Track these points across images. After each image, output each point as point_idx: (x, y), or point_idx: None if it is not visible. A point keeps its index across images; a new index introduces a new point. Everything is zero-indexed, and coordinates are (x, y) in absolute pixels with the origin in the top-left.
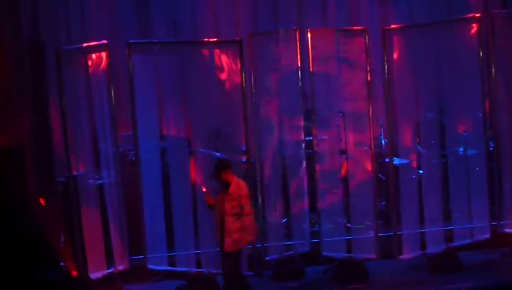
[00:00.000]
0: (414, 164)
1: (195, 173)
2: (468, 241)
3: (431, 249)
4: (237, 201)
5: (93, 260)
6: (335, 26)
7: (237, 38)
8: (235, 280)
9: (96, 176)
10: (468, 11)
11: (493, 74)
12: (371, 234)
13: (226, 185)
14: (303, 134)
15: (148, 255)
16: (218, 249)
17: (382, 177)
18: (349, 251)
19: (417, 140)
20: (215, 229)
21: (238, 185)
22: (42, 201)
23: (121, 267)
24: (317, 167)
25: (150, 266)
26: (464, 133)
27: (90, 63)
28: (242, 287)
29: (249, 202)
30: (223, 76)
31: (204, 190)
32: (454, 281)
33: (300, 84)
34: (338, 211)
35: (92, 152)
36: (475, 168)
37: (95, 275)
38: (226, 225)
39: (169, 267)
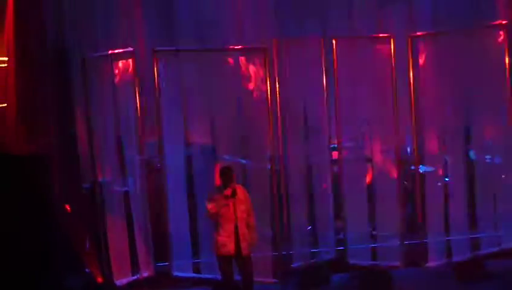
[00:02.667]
0: (440, 172)
1: (219, 180)
2: (495, 249)
3: (457, 257)
4: (245, 204)
5: (118, 266)
6: (360, 34)
7: (262, 46)
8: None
9: (122, 183)
10: (495, 18)
11: None
12: (397, 241)
13: (233, 191)
14: (328, 141)
15: (173, 262)
16: (231, 256)
17: (408, 184)
18: (374, 259)
19: (443, 147)
20: (221, 238)
21: (241, 189)
22: (68, 208)
23: (146, 274)
24: (343, 174)
25: (174, 273)
26: (490, 141)
27: (116, 70)
28: None
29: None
30: (248, 83)
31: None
32: (480, 289)
33: (325, 91)
34: (363, 218)
35: (117, 159)
36: (501, 175)
37: (120, 281)
38: (240, 230)
39: (194, 274)
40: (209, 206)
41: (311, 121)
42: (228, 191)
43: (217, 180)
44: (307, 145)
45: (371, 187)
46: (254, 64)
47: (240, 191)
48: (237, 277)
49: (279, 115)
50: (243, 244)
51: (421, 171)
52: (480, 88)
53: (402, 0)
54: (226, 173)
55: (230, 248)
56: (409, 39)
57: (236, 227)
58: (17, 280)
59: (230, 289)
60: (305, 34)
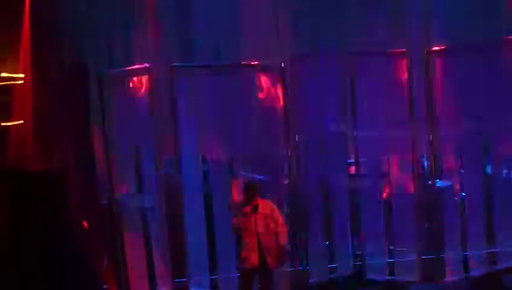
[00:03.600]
0: (457, 186)
1: (237, 196)
2: None
3: (474, 272)
4: (270, 218)
5: (135, 283)
6: (375, 49)
7: (279, 62)
8: None
9: (139, 200)
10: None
11: None
12: (414, 256)
13: (255, 206)
14: (345, 156)
15: (191, 278)
16: (253, 270)
17: (425, 199)
18: (392, 274)
19: (460, 162)
20: (244, 252)
21: (268, 204)
22: (85, 225)
23: None
24: (360, 189)
25: (192, 289)
26: (508, 155)
27: (132, 86)
28: None
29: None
30: (265, 99)
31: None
32: None
33: (341, 106)
34: (381, 233)
35: (134, 175)
36: None
37: None
38: (263, 244)
39: None
40: (233, 221)
41: (328, 136)
42: (247, 209)
43: (235, 196)
44: (324, 160)
45: (388, 201)
46: (271, 80)
47: (266, 205)
48: None
49: (296, 130)
50: (269, 259)
51: (438, 186)
52: (497, 102)
53: (418, 16)
54: (250, 189)
55: (254, 260)
56: (425, 54)
57: (258, 241)
58: None
59: None
60: (321, 50)
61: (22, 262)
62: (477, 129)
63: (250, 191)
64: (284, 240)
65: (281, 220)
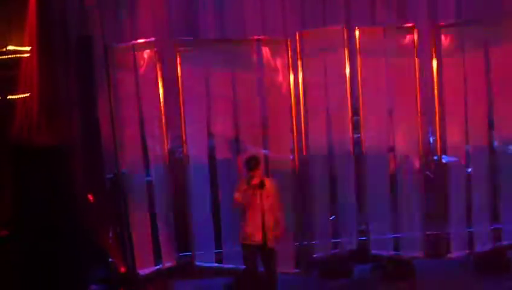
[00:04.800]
0: (463, 162)
1: (242, 171)
2: None
3: (479, 248)
4: (272, 197)
5: (141, 256)
6: (383, 24)
7: (285, 36)
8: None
9: (145, 173)
10: None
11: None
12: (419, 232)
13: (262, 182)
14: (351, 131)
15: (196, 252)
16: (258, 246)
17: (430, 174)
18: (396, 249)
19: (466, 138)
20: (249, 228)
21: (270, 182)
22: (91, 198)
23: (168, 264)
24: (365, 164)
25: (197, 263)
26: None
27: (138, 60)
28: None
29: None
30: (271, 73)
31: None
32: (503, 280)
33: (347, 81)
34: (386, 209)
35: (140, 149)
36: None
37: (143, 271)
38: (266, 222)
39: (217, 264)
40: (236, 195)
41: (334, 111)
42: (256, 181)
43: (240, 170)
44: (330, 135)
45: (393, 177)
46: (277, 54)
47: (269, 184)
48: (260, 268)
49: (301, 105)
50: (269, 237)
51: (444, 161)
52: (504, 78)
53: None
54: (252, 162)
55: (258, 238)
56: (433, 29)
57: (262, 219)
58: (40, 272)
59: (253, 279)
60: (328, 24)
61: (27, 235)
62: (484, 105)
63: (251, 164)
64: (281, 228)
65: (280, 203)
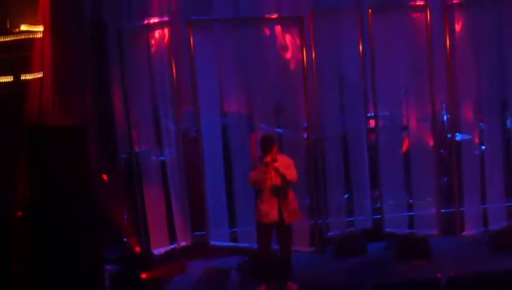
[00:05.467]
0: (476, 140)
1: (256, 149)
2: None
3: (493, 226)
4: (287, 174)
5: (155, 236)
6: (396, 3)
7: (298, 15)
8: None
9: (159, 153)
10: None
11: None
12: (433, 210)
13: (273, 161)
14: (364, 110)
15: (210, 231)
16: (273, 224)
17: (444, 153)
18: (411, 227)
19: (479, 116)
20: (264, 206)
21: (285, 158)
22: (105, 178)
23: (183, 243)
24: (379, 143)
25: (212, 242)
26: None
27: (151, 40)
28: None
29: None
30: (284, 52)
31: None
32: None
33: (361, 60)
34: (400, 187)
35: (154, 129)
36: None
37: (157, 251)
38: (281, 199)
39: (231, 243)
40: (251, 174)
41: (347, 90)
42: (268, 158)
43: (254, 150)
44: (343, 113)
45: (407, 156)
46: (290, 33)
47: (282, 161)
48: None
49: (315, 84)
50: (285, 214)
51: (458, 140)
52: None
53: None
54: (266, 141)
55: (274, 215)
56: (445, 7)
57: (277, 196)
58: (55, 252)
59: (266, 258)
60: (341, 4)
61: (42, 216)
62: (497, 83)
63: (266, 144)
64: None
65: (295, 177)
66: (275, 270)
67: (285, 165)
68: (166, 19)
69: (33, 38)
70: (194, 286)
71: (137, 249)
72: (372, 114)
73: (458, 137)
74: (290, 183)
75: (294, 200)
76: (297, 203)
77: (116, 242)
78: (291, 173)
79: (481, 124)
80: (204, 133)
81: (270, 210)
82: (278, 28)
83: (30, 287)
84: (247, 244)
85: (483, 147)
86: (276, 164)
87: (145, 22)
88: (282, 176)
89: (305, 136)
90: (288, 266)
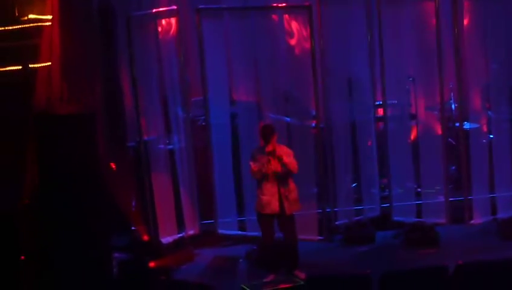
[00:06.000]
0: (484, 128)
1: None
2: None
3: (502, 214)
4: (287, 164)
5: (164, 224)
6: None
7: (306, 4)
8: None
9: (167, 141)
10: None
11: None
12: (441, 198)
13: (274, 150)
14: (372, 99)
15: (219, 220)
16: (274, 215)
17: (452, 141)
18: (419, 216)
19: (487, 104)
20: (265, 197)
21: (284, 148)
22: (113, 166)
23: (191, 232)
24: (387, 131)
25: (220, 231)
26: None
27: (160, 28)
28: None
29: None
30: (292, 41)
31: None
32: None
33: (369, 49)
34: (408, 175)
35: (162, 117)
36: None
37: (165, 239)
38: (282, 189)
39: (240, 232)
40: (252, 165)
41: (355, 78)
42: (269, 148)
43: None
44: (351, 102)
45: (415, 144)
46: (298, 22)
47: (282, 151)
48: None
49: (323, 72)
50: (286, 204)
51: (466, 128)
52: None
53: None
54: (266, 130)
55: (275, 206)
56: None
57: (278, 186)
58: (64, 240)
59: (272, 247)
60: None
61: (51, 204)
62: (505, 72)
63: (267, 133)
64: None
65: (295, 166)
66: (282, 259)
67: (286, 155)
68: (174, 7)
69: (41, 27)
70: (202, 275)
71: (146, 237)
72: (381, 102)
73: (466, 126)
74: (291, 173)
75: (294, 189)
76: (297, 193)
77: (124, 230)
78: (292, 162)
79: (489, 112)
80: (212, 122)
81: (271, 201)
82: (286, 17)
83: (38, 275)
84: (255, 233)
85: (491, 136)
86: (278, 153)
87: (154, 10)
88: (284, 165)
89: (313, 124)
90: (294, 254)
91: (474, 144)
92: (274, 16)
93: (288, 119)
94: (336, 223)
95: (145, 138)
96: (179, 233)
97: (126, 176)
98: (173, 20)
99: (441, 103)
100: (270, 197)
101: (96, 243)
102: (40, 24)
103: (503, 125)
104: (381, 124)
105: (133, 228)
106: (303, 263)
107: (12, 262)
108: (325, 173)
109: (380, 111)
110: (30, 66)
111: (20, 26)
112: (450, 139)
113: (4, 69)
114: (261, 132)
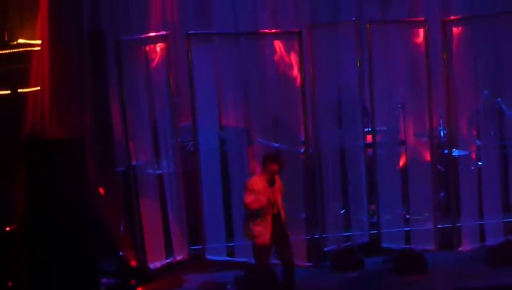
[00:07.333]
0: (473, 155)
1: (253, 163)
2: None
3: (490, 241)
4: (280, 192)
5: (152, 249)
6: (394, 18)
7: (296, 30)
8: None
9: (156, 166)
10: None
11: None
12: (430, 225)
13: (274, 179)
14: (362, 125)
15: (207, 245)
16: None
17: (441, 168)
18: (408, 242)
19: (476, 131)
20: (258, 228)
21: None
22: (102, 191)
23: (179, 257)
24: (376, 158)
25: (208, 256)
26: None
27: (150, 53)
28: None
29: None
30: (282, 67)
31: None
32: None
33: (359, 75)
34: (397, 202)
35: (151, 142)
36: None
37: (153, 264)
38: (283, 216)
39: (228, 258)
40: (259, 198)
41: (344, 104)
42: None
43: (252, 164)
44: (341, 128)
45: (404, 171)
46: (288, 47)
47: (278, 179)
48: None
49: (312, 98)
50: (284, 227)
51: (455, 155)
52: None
53: None
54: (281, 160)
55: (266, 238)
56: (443, 23)
57: (273, 216)
58: (51, 265)
59: (265, 275)
60: (339, 18)
61: (40, 228)
62: (494, 98)
63: (281, 163)
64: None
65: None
66: (275, 284)
67: (279, 187)
68: (164, 32)
69: (31, 51)
70: None
71: (134, 262)
72: (370, 129)
73: (455, 152)
74: None
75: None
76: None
77: (113, 255)
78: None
79: (478, 139)
80: (201, 147)
81: (263, 233)
82: (276, 43)
83: None
84: (243, 259)
85: (480, 163)
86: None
87: (144, 35)
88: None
89: (302, 150)
90: (292, 278)
91: (463, 171)
92: (264, 42)
93: (277, 144)
94: (325, 249)
95: (134, 162)
96: (167, 258)
97: (114, 200)
98: (163, 45)
99: (430, 129)
100: (262, 229)
101: (84, 268)
102: (29, 48)
103: (491, 152)
104: (370, 150)
105: (121, 253)
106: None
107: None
108: (313, 198)
109: (369, 137)
110: (19, 90)
111: (9, 51)
112: (438, 166)
113: None
114: (277, 161)
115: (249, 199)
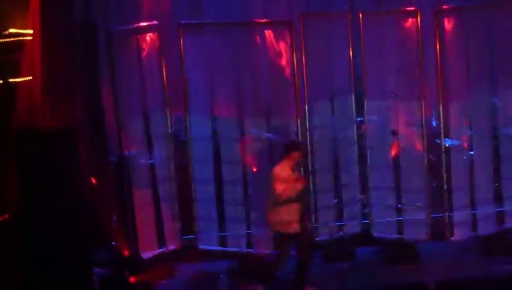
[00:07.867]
0: (465, 145)
1: (245, 153)
2: None
3: (482, 231)
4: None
5: (144, 239)
6: (386, 8)
7: (288, 19)
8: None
9: (148, 156)
10: None
11: None
12: (422, 215)
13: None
14: (354, 115)
15: (199, 235)
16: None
17: (433, 158)
18: (400, 232)
19: (466, 122)
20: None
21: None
22: (94, 181)
23: (172, 247)
24: (368, 148)
25: (200, 246)
26: None
27: (141, 43)
28: None
29: None
30: (274, 56)
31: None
32: (506, 262)
33: (351, 65)
34: (389, 192)
35: (143, 132)
36: None
37: (146, 254)
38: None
39: (220, 247)
40: (282, 187)
41: (337, 94)
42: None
43: (244, 154)
44: (333, 118)
45: (396, 160)
46: (280, 38)
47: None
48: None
49: (305, 88)
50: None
51: (447, 145)
52: (506, 62)
53: None
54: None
55: (295, 226)
56: (435, 13)
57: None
58: (42, 255)
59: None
60: (331, 8)
61: (32, 219)
62: (486, 88)
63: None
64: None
65: None
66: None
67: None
68: (156, 22)
69: (22, 41)
70: None
71: (126, 252)
72: (362, 119)
73: (447, 142)
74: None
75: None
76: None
77: (105, 245)
78: None
79: (469, 129)
80: (194, 137)
81: (293, 220)
82: (268, 32)
83: None
84: (236, 249)
85: (472, 152)
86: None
87: (135, 25)
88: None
89: (295, 140)
90: (305, 275)
91: (455, 160)
92: (256, 32)
93: (269, 135)
94: (317, 239)
95: (126, 152)
96: (159, 248)
97: (107, 190)
98: (155, 35)
99: (422, 119)
100: (292, 216)
101: (77, 258)
102: (21, 38)
103: (484, 142)
104: (362, 140)
105: (113, 243)
106: (283, 280)
107: None
108: (306, 188)
109: (362, 127)
110: (11, 80)
111: (0, 41)
112: (430, 156)
113: None
114: (299, 148)
115: (280, 187)
